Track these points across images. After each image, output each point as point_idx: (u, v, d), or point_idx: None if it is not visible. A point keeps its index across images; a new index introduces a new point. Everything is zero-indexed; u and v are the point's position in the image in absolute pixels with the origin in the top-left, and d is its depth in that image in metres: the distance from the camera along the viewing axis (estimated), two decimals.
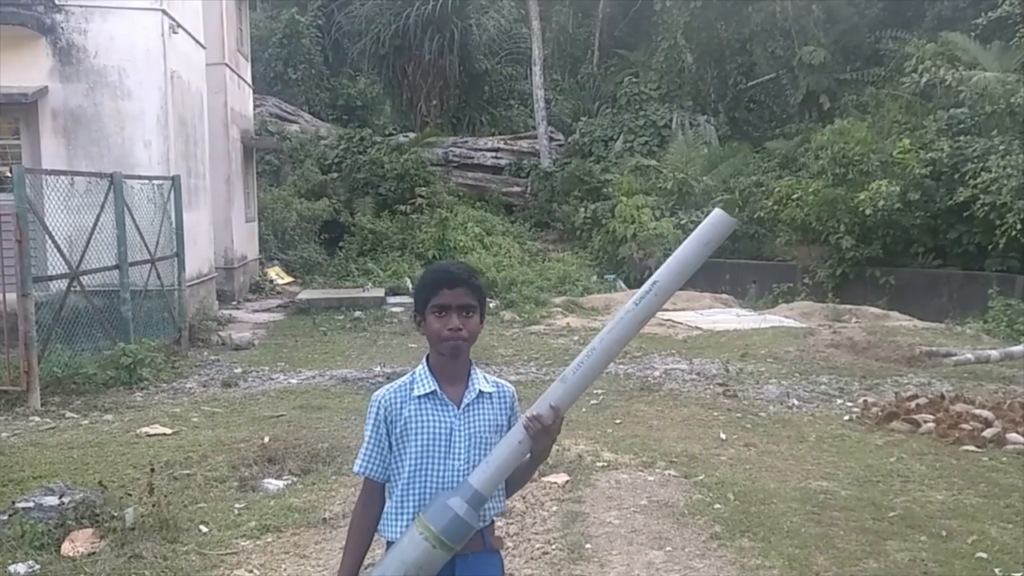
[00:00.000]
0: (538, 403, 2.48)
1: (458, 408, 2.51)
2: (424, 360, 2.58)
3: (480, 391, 2.56)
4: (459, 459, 2.48)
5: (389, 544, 2.52)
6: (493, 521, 2.59)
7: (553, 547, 5.10)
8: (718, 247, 2.41)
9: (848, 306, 15.58)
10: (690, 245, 2.41)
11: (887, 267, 17.17)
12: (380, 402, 2.53)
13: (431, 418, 2.50)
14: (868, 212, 16.55)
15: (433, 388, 2.51)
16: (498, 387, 2.62)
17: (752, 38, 27.33)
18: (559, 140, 27.06)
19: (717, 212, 2.40)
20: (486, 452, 2.49)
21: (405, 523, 2.47)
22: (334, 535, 5.17)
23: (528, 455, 2.49)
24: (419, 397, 2.51)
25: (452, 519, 2.36)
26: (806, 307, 15.78)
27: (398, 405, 2.51)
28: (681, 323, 13.99)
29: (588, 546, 5.10)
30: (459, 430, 2.50)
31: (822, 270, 17.78)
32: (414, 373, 2.56)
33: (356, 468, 2.55)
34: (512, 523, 5.50)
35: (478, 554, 2.50)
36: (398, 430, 2.50)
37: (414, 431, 2.49)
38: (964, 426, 7.32)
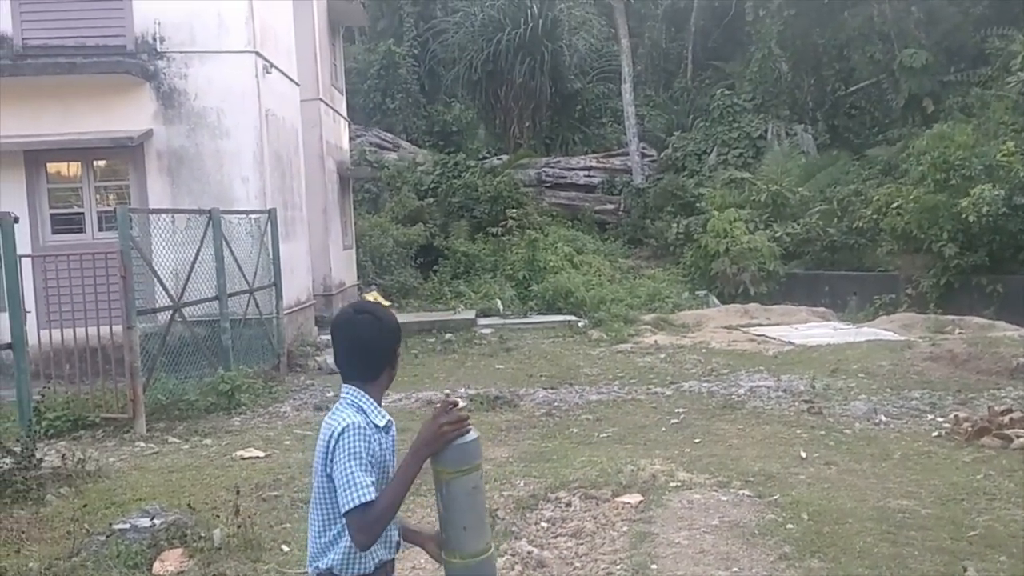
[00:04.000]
0: None
1: (387, 436, 2.61)
2: (364, 391, 2.60)
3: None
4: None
5: None
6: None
7: (618, 567, 5.15)
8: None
9: (952, 317, 15.00)
10: None
11: (994, 275, 16.41)
12: (366, 430, 2.49)
13: (387, 448, 2.58)
14: (972, 219, 15.90)
15: (388, 419, 2.60)
16: None
17: (849, 43, 26.63)
18: (651, 156, 27.00)
19: None
20: None
21: (368, 559, 2.55)
22: (406, 555, 5.33)
23: None
24: (380, 428, 2.56)
25: None
26: (907, 319, 15.26)
27: (374, 434, 2.53)
28: (774, 338, 13.74)
29: (654, 567, 5.12)
30: (391, 458, 2.62)
31: (925, 280, 17.10)
32: (362, 404, 2.56)
33: (367, 496, 2.39)
34: (582, 543, 5.57)
35: None
36: (372, 460, 2.49)
37: (379, 462, 2.52)
38: None
